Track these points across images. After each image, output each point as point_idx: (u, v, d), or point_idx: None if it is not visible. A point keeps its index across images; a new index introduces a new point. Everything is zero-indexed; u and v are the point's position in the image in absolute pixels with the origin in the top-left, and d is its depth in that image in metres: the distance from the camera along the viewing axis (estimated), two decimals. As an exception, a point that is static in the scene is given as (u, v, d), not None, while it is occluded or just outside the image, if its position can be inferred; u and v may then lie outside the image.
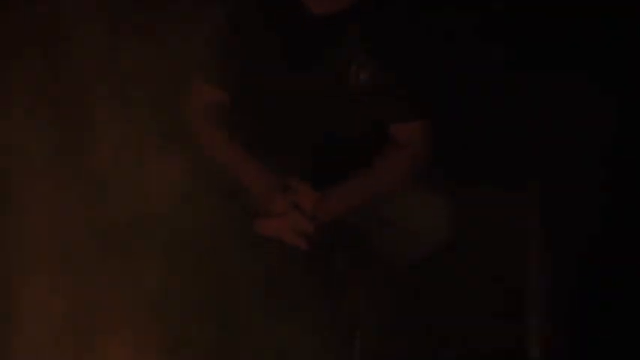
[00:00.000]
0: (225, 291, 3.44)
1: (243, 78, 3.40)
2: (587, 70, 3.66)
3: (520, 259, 3.67)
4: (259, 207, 3.38)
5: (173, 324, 3.45)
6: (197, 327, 3.45)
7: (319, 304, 3.42)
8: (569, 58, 3.73)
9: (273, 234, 3.37)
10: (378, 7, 3.36)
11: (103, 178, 3.52)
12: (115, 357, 3.42)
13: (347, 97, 3.38)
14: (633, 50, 3.69)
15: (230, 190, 3.41)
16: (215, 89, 3.42)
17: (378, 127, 3.43)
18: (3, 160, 3.51)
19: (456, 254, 3.47)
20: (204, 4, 3.45)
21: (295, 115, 3.41)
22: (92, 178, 3.49)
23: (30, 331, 3.41)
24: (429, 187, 3.42)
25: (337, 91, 3.38)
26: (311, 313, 3.44)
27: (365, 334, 3.48)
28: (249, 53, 3.38)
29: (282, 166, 3.40)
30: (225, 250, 3.44)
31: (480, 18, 3.76)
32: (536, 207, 3.72)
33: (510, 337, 3.55)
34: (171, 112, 3.59)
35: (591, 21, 3.71)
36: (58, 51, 3.56)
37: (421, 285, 3.56)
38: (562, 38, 3.75)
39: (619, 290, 3.57)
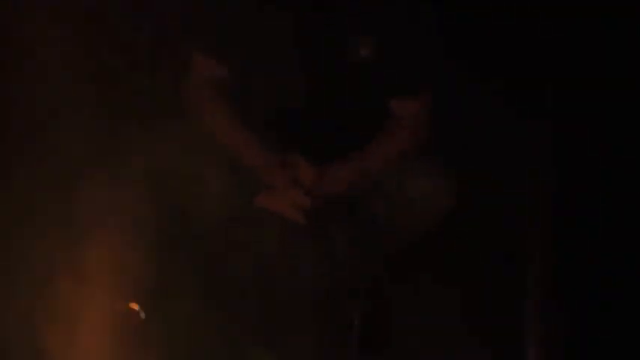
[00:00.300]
0: (226, 266, 3.46)
1: (243, 53, 3.39)
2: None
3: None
4: (259, 182, 3.38)
5: (171, 302, 3.47)
6: (197, 303, 3.46)
7: (319, 279, 3.43)
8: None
9: (273, 209, 3.36)
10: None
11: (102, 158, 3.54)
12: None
13: (347, 72, 3.38)
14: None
15: (230, 166, 3.41)
16: (215, 63, 3.41)
17: (379, 102, 3.43)
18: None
19: (454, 226, 3.48)
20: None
21: (295, 91, 3.40)
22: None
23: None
24: (428, 160, 3.43)
25: (337, 66, 3.37)
26: (310, 290, 3.46)
27: (364, 309, 3.48)
28: (250, 28, 3.37)
29: (281, 141, 3.40)
30: (225, 225, 3.46)
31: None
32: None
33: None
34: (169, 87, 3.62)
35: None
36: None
37: (420, 259, 3.56)
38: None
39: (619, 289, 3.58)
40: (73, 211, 3.41)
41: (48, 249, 3.40)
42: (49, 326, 3.37)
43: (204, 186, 3.40)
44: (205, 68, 3.44)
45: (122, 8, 3.65)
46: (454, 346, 3.54)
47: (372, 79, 3.39)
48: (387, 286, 3.49)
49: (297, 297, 3.42)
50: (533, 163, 3.69)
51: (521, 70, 3.70)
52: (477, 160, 3.68)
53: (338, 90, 3.39)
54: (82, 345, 3.36)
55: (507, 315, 3.59)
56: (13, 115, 3.59)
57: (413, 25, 3.39)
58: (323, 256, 3.42)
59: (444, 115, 3.49)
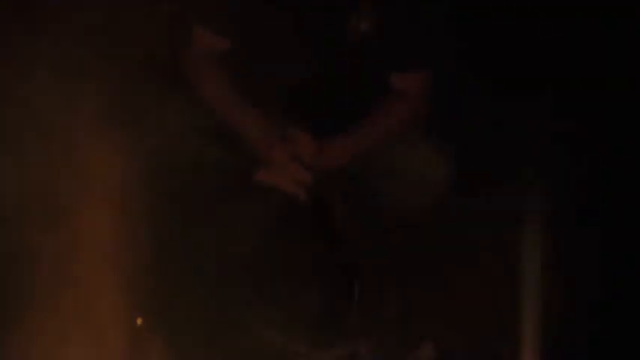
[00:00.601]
0: (227, 241, 3.46)
1: (243, 27, 3.38)
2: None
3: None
4: (259, 156, 3.38)
5: (170, 277, 3.47)
6: (197, 279, 3.47)
7: (319, 253, 3.44)
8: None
9: (273, 184, 3.37)
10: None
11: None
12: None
13: (347, 47, 3.37)
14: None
15: (230, 140, 3.42)
16: (216, 37, 3.41)
17: (379, 77, 3.43)
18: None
19: (453, 204, 3.48)
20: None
21: (295, 65, 3.40)
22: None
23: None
24: (428, 136, 3.43)
25: (338, 40, 3.37)
26: (311, 263, 3.46)
27: (364, 283, 3.49)
28: (250, 2, 3.37)
29: (282, 115, 3.40)
30: (225, 200, 3.46)
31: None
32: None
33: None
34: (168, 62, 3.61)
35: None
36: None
37: (420, 232, 3.56)
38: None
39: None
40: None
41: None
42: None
43: (204, 160, 3.42)
44: (205, 42, 3.43)
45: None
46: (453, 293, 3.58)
47: (372, 54, 3.38)
48: (386, 260, 3.51)
49: (296, 271, 3.43)
50: (533, 139, 3.70)
51: (522, 48, 3.71)
52: (476, 136, 3.69)
53: (338, 65, 3.39)
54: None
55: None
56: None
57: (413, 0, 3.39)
58: (322, 231, 3.44)
59: (443, 90, 3.49)
